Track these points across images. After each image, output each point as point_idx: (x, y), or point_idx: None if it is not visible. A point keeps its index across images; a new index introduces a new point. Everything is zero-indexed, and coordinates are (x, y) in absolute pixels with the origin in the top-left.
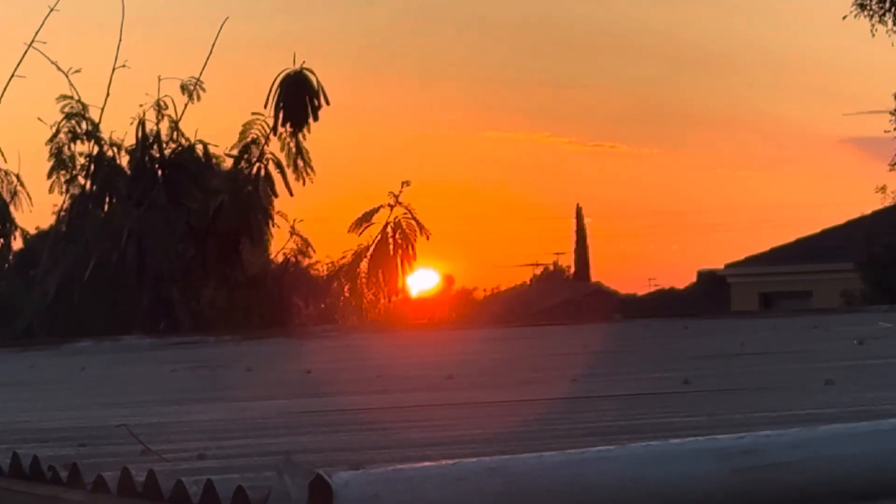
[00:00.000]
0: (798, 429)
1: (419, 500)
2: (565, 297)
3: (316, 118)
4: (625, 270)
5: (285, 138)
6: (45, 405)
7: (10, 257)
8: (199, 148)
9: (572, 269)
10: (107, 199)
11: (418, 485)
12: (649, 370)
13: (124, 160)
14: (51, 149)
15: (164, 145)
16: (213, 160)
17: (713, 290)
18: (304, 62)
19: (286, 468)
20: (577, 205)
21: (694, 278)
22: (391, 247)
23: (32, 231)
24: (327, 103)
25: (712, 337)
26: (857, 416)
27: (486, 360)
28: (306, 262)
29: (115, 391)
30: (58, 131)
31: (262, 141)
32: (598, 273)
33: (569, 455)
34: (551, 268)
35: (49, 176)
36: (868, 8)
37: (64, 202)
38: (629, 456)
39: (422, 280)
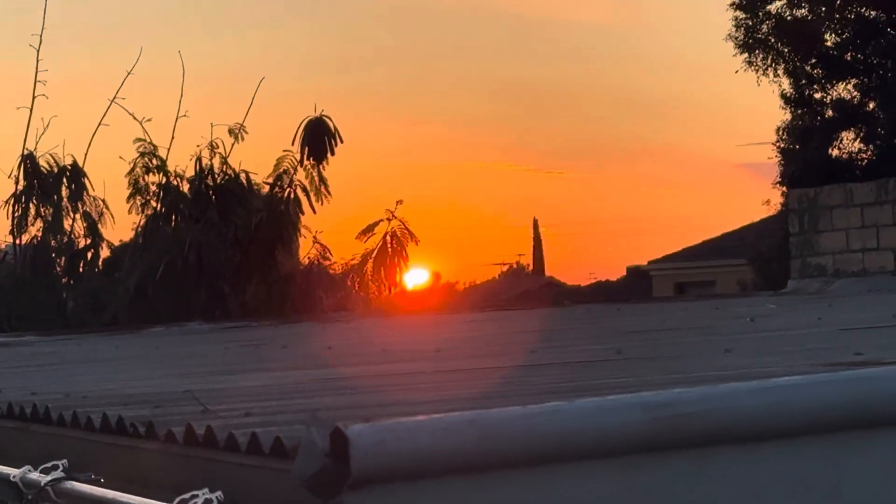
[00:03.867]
0: (703, 386)
1: (414, 445)
2: (526, 288)
3: (333, 153)
4: (571, 267)
5: (309, 169)
6: (128, 376)
7: (100, 263)
8: (243, 177)
9: (531, 267)
10: (173, 218)
11: (414, 433)
12: (591, 343)
13: (186, 187)
14: (129, 180)
15: (216, 176)
16: (254, 186)
17: (639, 281)
18: (322, 110)
19: (312, 422)
20: (534, 217)
21: (624, 272)
22: (389, 251)
23: (116, 243)
24: (341, 141)
25: (639, 317)
26: (751, 376)
27: (466, 338)
28: (326, 263)
29: (181, 364)
30: (134, 166)
31: (292, 171)
32: (551, 269)
33: (528, 409)
34: (515, 266)
35: (128, 201)
36: (754, 64)
37: (140, 221)
38: (575, 408)
39: (416, 276)
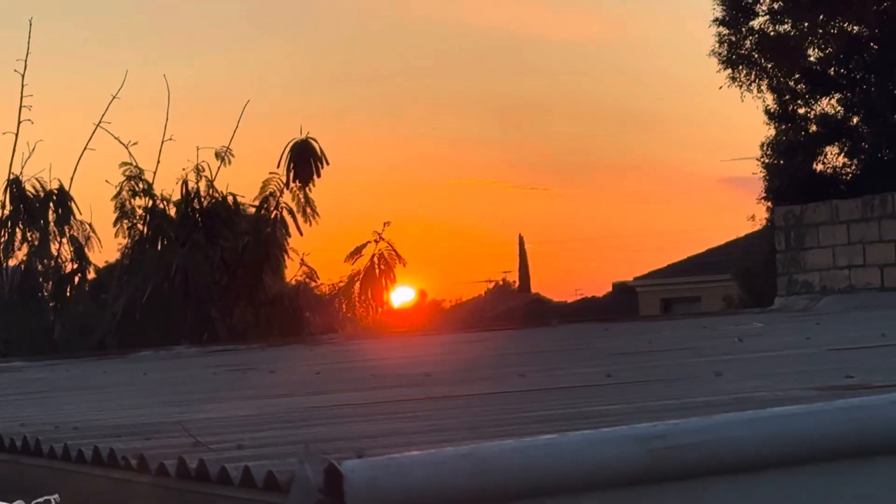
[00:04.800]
0: (697, 417)
1: (408, 481)
2: (512, 305)
3: (319, 175)
4: (557, 283)
5: (296, 192)
6: (117, 404)
7: (86, 287)
8: (230, 199)
9: (517, 284)
10: (159, 241)
11: (407, 469)
12: (580, 366)
13: (172, 211)
14: (115, 203)
15: (203, 199)
16: (241, 209)
17: (625, 297)
18: (308, 132)
19: (305, 457)
20: (520, 234)
21: (610, 288)
22: (377, 272)
23: (102, 266)
24: (327, 163)
25: (626, 337)
26: (741, 401)
27: (454, 361)
28: (313, 284)
29: (170, 391)
30: (121, 190)
31: (278, 194)
32: (537, 286)
33: (523, 442)
34: (501, 283)
35: (114, 224)
36: (738, 80)
37: (126, 244)
38: (569, 442)
39: (402, 295)
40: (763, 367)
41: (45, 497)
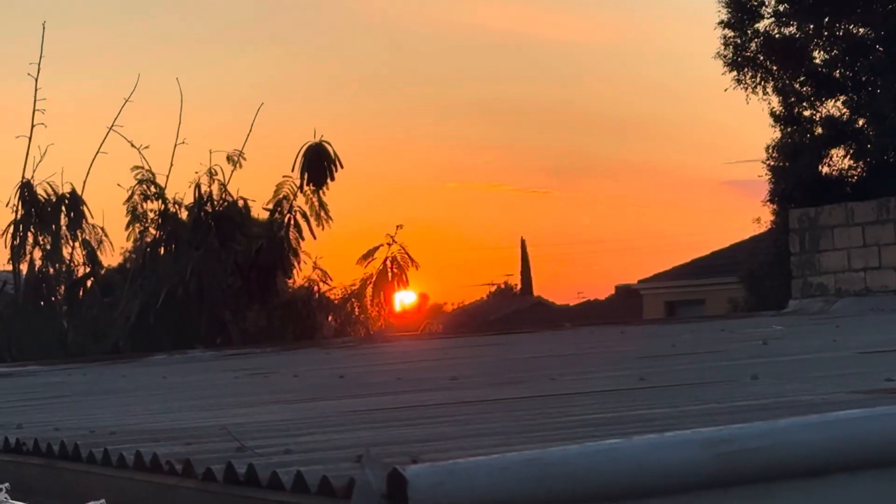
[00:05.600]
0: (763, 421)
1: (473, 486)
2: (514, 309)
3: (333, 179)
4: (559, 286)
5: (309, 195)
6: (146, 409)
7: (98, 291)
8: (242, 203)
9: (519, 286)
10: (172, 245)
11: (473, 474)
12: (609, 369)
13: (185, 214)
14: (128, 207)
15: (216, 202)
16: (254, 213)
17: (628, 300)
18: (322, 136)
19: (367, 462)
20: (521, 237)
21: (612, 291)
22: (389, 275)
23: (115, 270)
24: (341, 167)
25: (646, 340)
26: (786, 405)
27: (477, 364)
28: (326, 288)
29: (197, 395)
30: (133, 194)
31: (291, 197)
32: (539, 289)
33: (587, 447)
34: (503, 286)
35: (127, 228)
36: (743, 82)
37: (139, 248)
38: (634, 446)
39: (404, 298)
40: (797, 370)
41: (91, 501)
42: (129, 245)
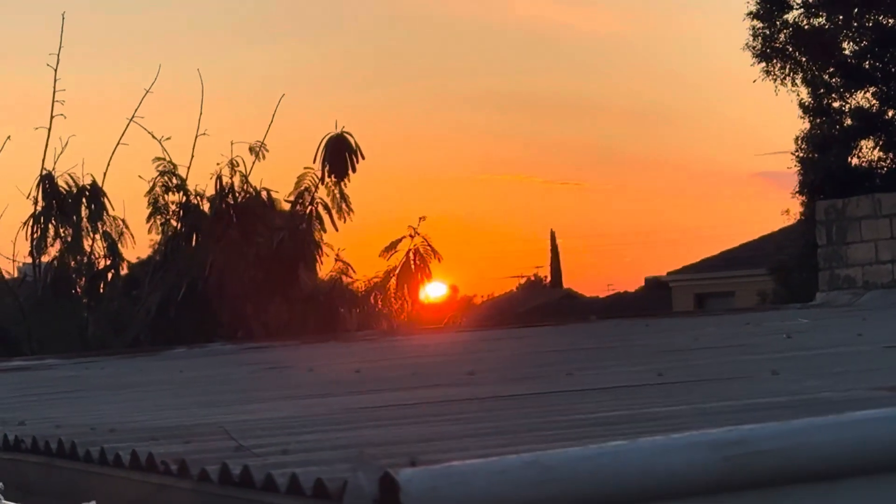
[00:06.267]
0: (774, 422)
1: (470, 490)
2: (543, 301)
3: (354, 170)
4: (589, 278)
5: (331, 187)
6: (154, 405)
7: (119, 283)
8: (264, 195)
9: (548, 279)
10: (194, 237)
11: (469, 478)
12: (628, 364)
13: (206, 206)
14: (149, 199)
15: (237, 194)
16: (275, 204)
17: (658, 292)
18: (343, 127)
19: (359, 465)
20: (551, 229)
21: (642, 283)
22: (413, 267)
23: (136, 262)
24: (363, 157)
25: (669, 334)
26: (805, 402)
27: (496, 358)
28: (348, 280)
29: (208, 391)
30: (154, 185)
31: (313, 189)
32: (569, 281)
33: (590, 449)
34: (532, 278)
35: (148, 220)
36: (772, 73)
37: (160, 240)
38: (639, 449)
39: (434, 290)
40: (819, 365)
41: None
42: (158, 238)
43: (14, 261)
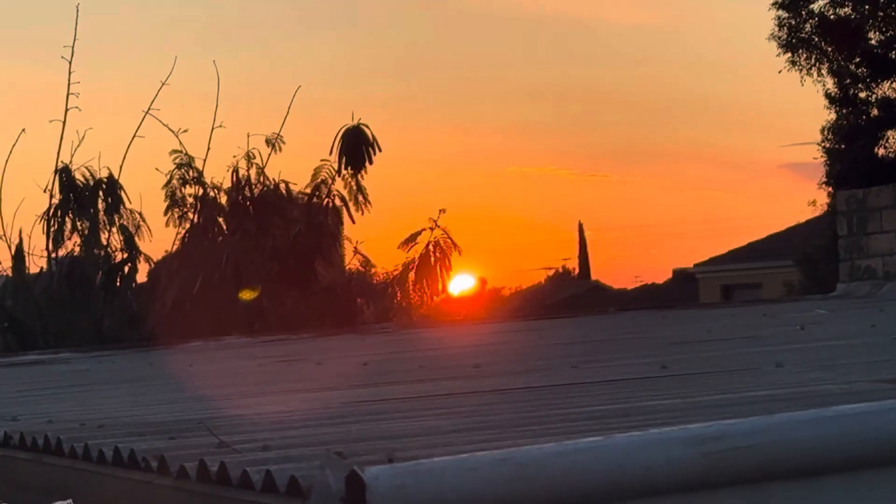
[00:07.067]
0: (756, 417)
1: (439, 488)
2: (572, 293)
3: (371, 162)
4: (617, 270)
5: (348, 179)
6: (154, 399)
7: (136, 277)
8: (282, 187)
9: (576, 271)
10: (210, 230)
11: (438, 475)
12: (634, 357)
13: (223, 199)
14: (166, 192)
15: (254, 186)
16: (292, 197)
17: (685, 283)
18: (360, 118)
19: (327, 462)
20: (579, 221)
21: (670, 275)
22: (432, 260)
23: (153, 256)
24: (379, 150)
25: (684, 325)
26: (804, 395)
27: (505, 351)
28: (366, 273)
29: (210, 385)
30: (171, 178)
31: (330, 181)
32: (597, 273)
33: (564, 445)
34: (560, 270)
35: (165, 213)
36: (798, 64)
37: (177, 233)
38: (615, 445)
39: (462, 283)
40: (827, 357)
41: (59, 502)
42: (175, 231)
43: (31, 255)
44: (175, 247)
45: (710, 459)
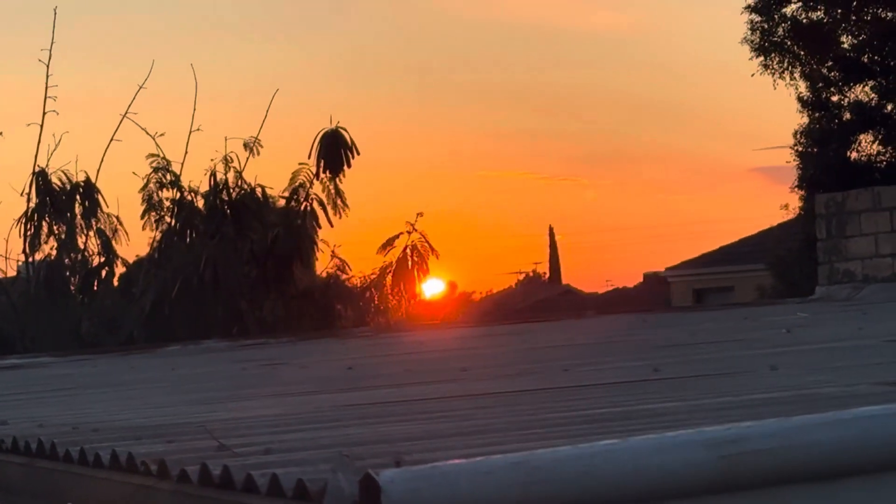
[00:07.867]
0: (773, 419)
1: (454, 492)
2: (542, 297)
3: (349, 166)
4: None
5: (326, 183)
6: (143, 403)
7: (115, 281)
8: (259, 191)
9: (547, 275)
10: (188, 234)
11: (453, 479)
12: (624, 360)
13: (200, 203)
14: (143, 196)
15: (231, 190)
16: (270, 200)
17: (656, 287)
18: (338, 122)
19: (339, 465)
20: (550, 225)
21: (641, 278)
22: (410, 264)
23: (131, 259)
24: (358, 153)
25: (666, 329)
26: (807, 398)
27: (492, 354)
28: (344, 277)
29: (198, 388)
30: (148, 182)
31: (308, 185)
32: (567, 277)
33: (580, 448)
34: (531, 274)
35: (142, 217)
36: (770, 67)
37: (154, 237)
38: (632, 448)
39: (432, 287)
40: (819, 359)
41: None
42: (152, 235)
43: (7, 259)
44: (152, 250)
45: (727, 463)
